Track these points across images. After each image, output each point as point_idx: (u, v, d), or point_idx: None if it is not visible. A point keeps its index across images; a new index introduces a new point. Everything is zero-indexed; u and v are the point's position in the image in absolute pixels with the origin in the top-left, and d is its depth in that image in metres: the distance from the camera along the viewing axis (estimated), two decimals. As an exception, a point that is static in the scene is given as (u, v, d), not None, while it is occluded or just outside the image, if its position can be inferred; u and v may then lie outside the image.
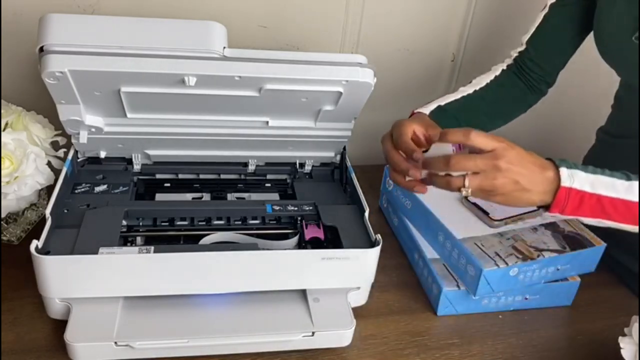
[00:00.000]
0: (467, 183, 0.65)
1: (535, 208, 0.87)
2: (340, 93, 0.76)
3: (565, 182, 0.65)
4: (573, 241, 0.83)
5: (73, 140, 0.82)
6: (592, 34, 0.88)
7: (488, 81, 0.91)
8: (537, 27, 0.89)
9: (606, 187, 0.66)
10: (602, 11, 0.81)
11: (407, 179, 0.71)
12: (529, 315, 0.84)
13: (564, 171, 0.66)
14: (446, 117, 0.85)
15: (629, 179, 0.67)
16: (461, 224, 0.84)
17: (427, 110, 0.85)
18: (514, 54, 0.93)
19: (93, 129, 0.79)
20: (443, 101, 0.87)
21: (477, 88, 0.90)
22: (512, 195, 0.66)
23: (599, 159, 0.98)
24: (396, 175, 0.73)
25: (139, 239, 0.79)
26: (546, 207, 0.68)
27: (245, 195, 0.91)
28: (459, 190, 0.66)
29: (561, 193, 0.65)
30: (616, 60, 0.82)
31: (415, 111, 0.85)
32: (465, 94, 0.89)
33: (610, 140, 0.95)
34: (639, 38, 0.75)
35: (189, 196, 0.89)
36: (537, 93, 0.93)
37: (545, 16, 0.88)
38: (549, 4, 0.88)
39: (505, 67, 0.93)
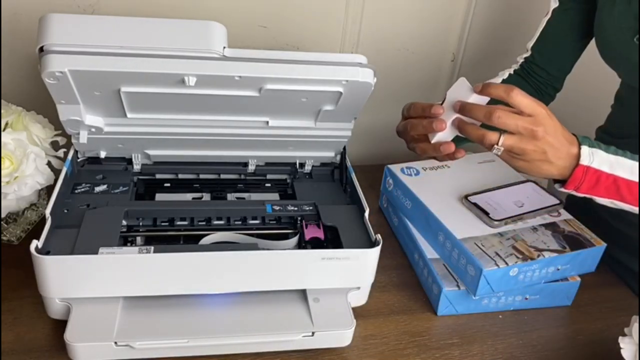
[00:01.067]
0: (501, 141, 0.65)
1: (536, 209, 0.87)
2: (340, 93, 0.76)
3: (585, 160, 0.66)
4: (573, 241, 0.83)
5: (73, 140, 0.82)
6: None
7: None
8: (541, 32, 0.90)
9: (624, 169, 0.67)
10: (602, 12, 0.81)
11: (433, 140, 0.70)
12: (529, 315, 0.84)
13: (585, 149, 0.66)
14: None
15: None
16: (461, 224, 0.84)
17: None
18: (520, 60, 0.93)
19: (93, 129, 0.79)
20: None
21: None
22: (535, 164, 0.66)
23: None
24: (420, 145, 0.71)
25: (139, 239, 0.79)
26: (562, 182, 0.68)
27: (245, 195, 0.91)
28: (490, 146, 0.66)
29: (579, 171, 0.66)
30: (617, 61, 0.82)
31: None
32: None
33: (610, 140, 0.94)
34: (639, 39, 0.75)
35: (189, 196, 0.89)
36: (545, 97, 0.93)
37: (548, 21, 0.88)
38: (551, 9, 0.88)
39: (512, 72, 0.93)
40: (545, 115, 0.65)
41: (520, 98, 0.65)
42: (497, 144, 0.65)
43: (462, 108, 0.68)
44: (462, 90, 0.71)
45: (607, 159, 0.67)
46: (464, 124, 0.68)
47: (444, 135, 0.71)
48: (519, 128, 0.65)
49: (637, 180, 0.67)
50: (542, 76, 0.90)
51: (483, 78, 1.23)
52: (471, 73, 1.23)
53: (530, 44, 0.91)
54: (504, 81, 0.92)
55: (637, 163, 0.67)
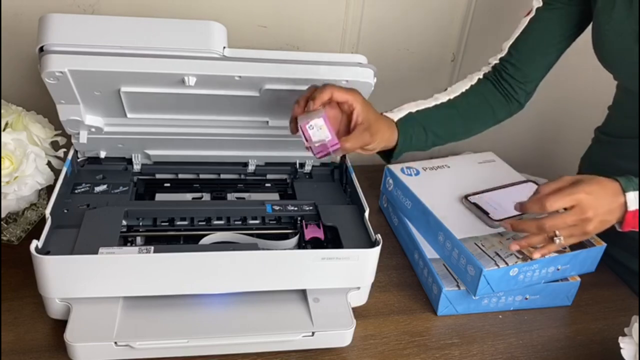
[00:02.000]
0: (564, 242, 0.73)
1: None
2: (340, 93, 0.76)
3: (631, 206, 0.70)
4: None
5: (73, 140, 0.82)
6: (578, 39, 0.87)
7: (464, 89, 0.90)
8: (522, 31, 0.88)
9: None
10: (601, 16, 0.80)
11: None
12: (529, 315, 0.84)
13: (630, 196, 0.70)
14: (415, 126, 0.83)
15: None
16: (461, 224, 0.84)
17: (396, 116, 0.82)
18: (494, 61, 0.91)
19: (93, 129, 0.79)
20: (415, 108, 0.85)
21: (452, 97, 0.88)
22: (599, 229, 0.72)
23: (597, 158, 0.98)
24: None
25: (139, 239, 0.79)
26: (619, 224, 0.73)
27: (245, 195, 0.91)
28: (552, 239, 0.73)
29: (629, 216, 0.71)
30: (617, 66, 0.82)
31: (385, 114, 0.82)
32: (438, 102, 0.87)
33: (608, 140, 0.94)
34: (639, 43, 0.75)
35: (189, 196, 0.89)
36: (513, 105, 0.91)
37: (531, 20, 0.87)
38: (534, 7, 0.87)
39: (481, 76, 0.91)
40: (583, 196, 0.69)
41: (554, 202, 0.69)
42: (557, 236, 0.72)
43: (515, 227, 0.74)
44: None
45: None
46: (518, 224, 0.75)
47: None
48: (571, 227, 0.71)
49: None
50: (515, 78, 0.88)
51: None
52: (471, 73, 1.23)
53: (508, 43, 0.90)
54: (472, 86, 0.90)
55: None
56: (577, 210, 0.69)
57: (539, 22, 0.86)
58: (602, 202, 0.70)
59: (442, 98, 0.88)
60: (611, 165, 0.92)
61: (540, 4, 0.86)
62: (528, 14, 0.87)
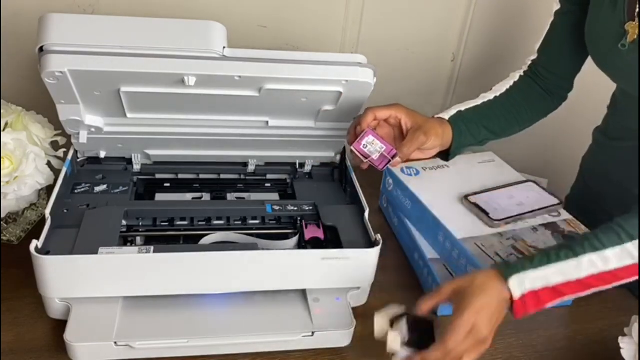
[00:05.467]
0: None
1: (536, 209, 0.87)
2: (340, 93, 0.76)
3: (517, 293, 0.65)
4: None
5: (73, 140, 0.82)
6: None
7: (507, 87, 0.91)
8: (547, 34, 0.89)
9: (556, 276, 0.66)
10: (591, 16, 0.81)
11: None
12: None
13: (512, 282, 0.65)
14: (467, 122, 0.85)
15: (575, 254, 0.66)
16: (461, 224, 0.84)
17: (446, 115, 0.85)
18: (529, 62, 0.93)
19: (93, 129, 0.79)
20: (464, 106, 0.87)
21: (498, 94, 0.90)
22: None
23: (597, 161, 0.98)
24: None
25: (138, 239, 0.79)
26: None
27: (245, 195, 0.91)
28: None
29: (517, 304, 0.65)
30: (604, 65, 0.82)
31: (436, 116, 0.84)
32: (485, 99, 0.89)
33: (607, 143, 0.95)
34: (626, 45, 0.75)
35: (189, 196, 0.89)
36: (555, 98, 0.93)
37: (552, 23, 0.88)
38: (554, 11, 0.88)
39: (522, 74, 0.93)
40: (476, 318, 0.63)
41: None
42: None
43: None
44: None
45: (537, 277, 0.65)
46: None
47: None
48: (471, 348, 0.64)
49: (572, 278, 0.65)
50: (549, 78, 0.90)
51: (483, 78, 1.23)
52: (471, 73, 1.23)
53: (537, 46, 0.91)
54: (515, 83, 0.92)
55: (562, 262, 0.66)
56: (472, 335, 0.63)
57: (559, 24, 0.88)
58: (493, 312, 0.64)
59: (489, 96, 0.90)
60: (611, 170, 0.92)
61: (559, 7, 0.86)
62: (552, 16, 0.88)
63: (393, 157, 0.75)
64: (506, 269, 0.66)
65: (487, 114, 0.88)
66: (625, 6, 0.75)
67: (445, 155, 0.86)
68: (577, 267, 0.65)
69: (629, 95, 0.84)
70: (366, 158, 0.75)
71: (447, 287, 0.67)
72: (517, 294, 0.65)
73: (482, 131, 0.86)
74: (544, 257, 0.66)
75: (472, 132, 0.85)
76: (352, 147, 0.76)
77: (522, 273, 0.66)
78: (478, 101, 0.89)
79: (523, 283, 0.65)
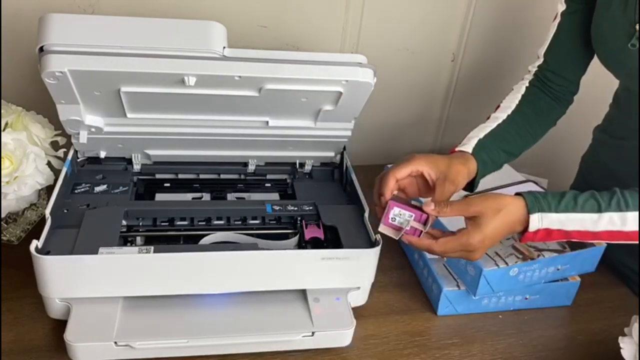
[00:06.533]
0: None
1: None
2: (340, 93, 0.76)
3: (533, 227, 0.69)
4: (573, 241, 0.83)
5: (73, 140, 0.82)
6: None
7: (517, 102, 0.89)
8: (553, 37, 0.88)
9: (574, 224, 0.70)
10: (598, 15, 0.80)
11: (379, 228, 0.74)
12: (529, 315, 0.84)
13: (533, 219, 0.69)
14: (488, 151, 0.83)
15: (599, 209, 0.69)
16: (461, 224, 0.84)
17: (468, 148, 0.82)
18: (533, 69, 0.91)
19: (93, 129, 0.79)
20: (481, 133, 0.84)
21: (509, 112, 0.88)
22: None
23: (598, 159, 0.98)
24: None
25: (138, 239, 0.79)
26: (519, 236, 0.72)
27: (245, 195, 0.91)
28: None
29: (528, 234, 0.70)
30: (612, 65, 0.82)
31: (457, 149, 0.82)
32: (499, 121, 0.87)
33: (608, 141, 0.94)
34: (637, 44, 0.75)
35: (189, 196, 0.89)
36: (563, 104, 0.91)
37: (558, 25, 0.87)
38: (559, 12, 0.86)
39: (527, 84, 0.91)
40: (472, 243, 0.70)
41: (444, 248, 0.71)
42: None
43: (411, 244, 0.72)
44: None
45: (558, 219, 0.69)
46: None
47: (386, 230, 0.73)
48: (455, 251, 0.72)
49: (587, 229, 0.70)
50: (558, 83, 0.88)
51: (483, 78, 1.23)
52: (471, 73, 1.23)
53: (542, 50, 0.89)
54: (523, 97, 0.89)
55: (586, 214, 0.69)
56: (482, 243, 0.70)
57: (565, 26, 0.86)
58: (504, 235, 0.70)
59: (501, 116, 0.87)
60: (611, 168, 0.92)
61: (564, 7, 0.86)
62: (555, 18, 0.87)
63: (425, 223, 0.72)
64: (532, 203, 0.69)
65: (503, 136, 0.85)
66: (636, 6, 0.74)
67: (470, 186, 0.84)
68: (597, 221, 0.69)
69: (634, 94, 0.83)
70: (399, 231, 0.72)
71: (475, 207, 0.71)
72: (533, 228, 0.69)
73: (501, 156, 0.84)
74: (571, 202, 0.70)
75: (493, 160, 0.83)
76: (381, 226, 0.72)
77: (545, 213, 0.69)
78: (492, 124, 0.86)
79: (542, 221, 0.69)
